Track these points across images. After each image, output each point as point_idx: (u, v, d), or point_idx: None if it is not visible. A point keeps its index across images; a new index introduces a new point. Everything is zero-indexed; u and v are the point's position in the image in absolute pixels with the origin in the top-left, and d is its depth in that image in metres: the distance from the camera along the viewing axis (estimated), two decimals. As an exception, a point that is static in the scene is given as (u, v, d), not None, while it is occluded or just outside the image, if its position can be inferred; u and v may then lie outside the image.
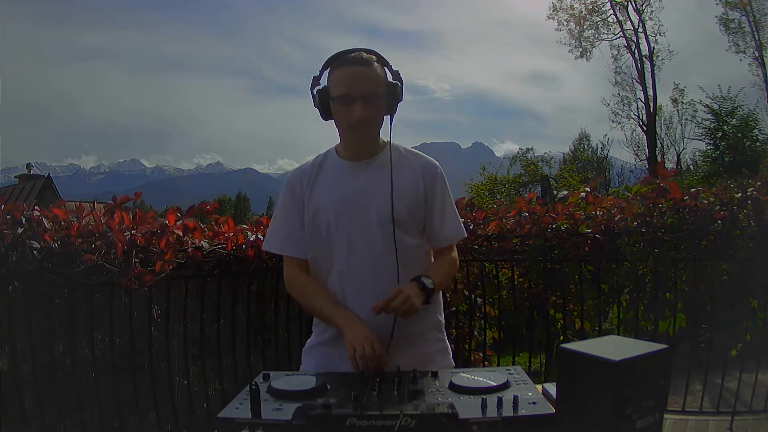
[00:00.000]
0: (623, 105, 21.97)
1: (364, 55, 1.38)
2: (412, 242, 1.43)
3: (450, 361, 1.53)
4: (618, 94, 22.05)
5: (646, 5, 20.99)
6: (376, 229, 1.40)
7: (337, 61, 1.38)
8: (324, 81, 1.41)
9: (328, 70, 1.40)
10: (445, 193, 1.48)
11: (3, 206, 2.21)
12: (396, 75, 1.42)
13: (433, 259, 1.51)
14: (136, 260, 2.25)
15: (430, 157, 1.50)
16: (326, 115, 1.42)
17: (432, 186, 1.46)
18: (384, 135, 1.47)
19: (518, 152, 19.95)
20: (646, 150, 21.53)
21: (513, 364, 2.76)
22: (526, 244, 2.88)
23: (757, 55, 19.11)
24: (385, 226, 1.39)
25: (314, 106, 1.42)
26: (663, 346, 0.92)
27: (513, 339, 3.18)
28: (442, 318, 1.54)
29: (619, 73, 21.98)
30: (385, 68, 1.41)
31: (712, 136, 15.64)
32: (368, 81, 1.36)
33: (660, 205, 2.77)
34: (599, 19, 21.87)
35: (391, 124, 1.43)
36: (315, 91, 1.41)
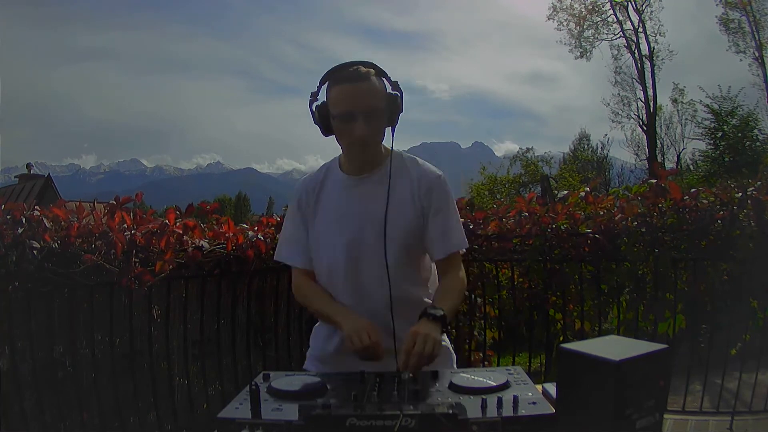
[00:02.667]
0: (623, 105, 22.00)
1: (362, 69, 1.35)
2: (411, 256, 1.42)
3: (452, 362, 1.53)
4: (618, 94, 22.08)
5: (646, 5, 21.02)
6: (376, 243, 1.38)
7: (335, 77, 1.36)
8: (322, 96, 1.40)
9: (326, 85, 1.38)
10: (445, 204, 1.44)
11: (3, 206, 2.21)
12: (395, 86, 1.40)
13: (438, 278, 1.48)
14: (136, 260, 2.25)
15: (431, 167, 1.47)
16: (326, 131, 1.40)
17: (428, 198, 1.43)
18: (386, 144, 1.45)
19: (518, 152, 19.97)
20: (646, 150, 21.54)
21: (513, 364, 2.76)
22: (526, 244, 2.88)
23: (757, 55, 19.13)
24: (383, 241, 1.38)
25: (314, 123, 1.40)
26: (663, 346, 0.92)
27: (513, 339, 3.18)
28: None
29: (619, 73, 22.01)
30: (384, 80, 1.40)
31: (712, 136, 15.65)
32: (367, 97, 1.34)
33: (660, 205, 2.77)
34: (599, 19, 21.89)
35: (392, 135, 1.41)
36: (314, 107, 1.40)
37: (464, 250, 1.49)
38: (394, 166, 1.41)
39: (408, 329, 1.32)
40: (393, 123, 1.40)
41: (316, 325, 1.56)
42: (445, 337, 1.52)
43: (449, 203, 1.46)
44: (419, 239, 1.43)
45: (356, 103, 1.33)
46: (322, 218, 1.45)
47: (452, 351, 1.55)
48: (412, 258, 1.44)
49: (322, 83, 1.39)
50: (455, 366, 1.54)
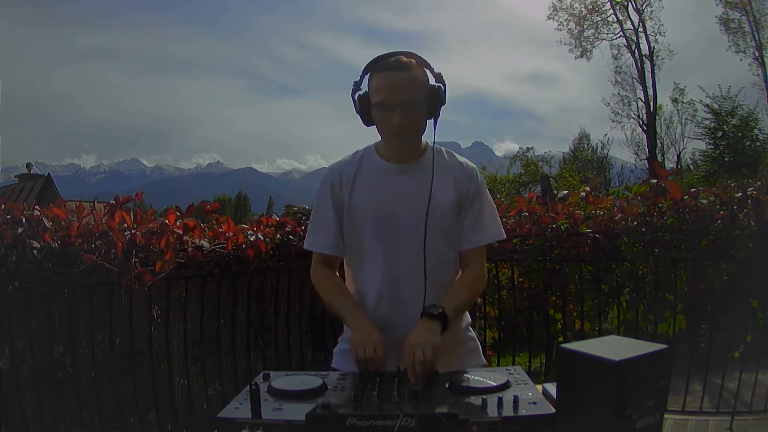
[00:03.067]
0: (623, 105, 21.98)
1: (404, 59, 1.36)
2: (446, 251, 1.42)
3: (481, 359, 1.55)
4: (618, 93, 22.06)
5: (646, 5, 21.01)
6: (413, 233, 1.38)
7: (377, 66, 1.37)
8: (365, 86, 1.40)
9: (369, 75, 1.38)
10: (482, 196, 1.45)
11: (3, 206, 2.21)
12: (438, 77, 1.40)
13: (461, 271, 1.48)
14: (136, 260, 2.25)
15: (468, 161, 1.49)
16: (368, 121, 1.41)
17: (467, 191, 1.44)
18: (427, 138, 1.46)
19: (518, 152, 19.96)
20: (646, 150, 21.52)
21: (513, 364, 2.76)
22: (526, 244, 2.88)
23: (757, 55, 19.13)
24: (418, 232, 1.38)
25: (356, 112, 1.41)
26: (663, 346, 0.92)
27: (513, 339, 3.18)
28: (469, 317, 1.55)
29: (619, 73, 21.99)
30: (427, 71, 1.40)
31: (712, 135, 15.65)
32: (407, 87, 1.34)
33: (660, 205, 2.77)
34: (599, 19, 21.88)
35: (435, 128, 1.42)
36: (356, 97, 1.40)
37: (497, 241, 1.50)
38: (436, 160, 1.41)
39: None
40: (434, 115, 1.40)
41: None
42: (470, 329, 1.54)
43: (486, 195, 1.47)
44: (454, 229, 1.44)
45: (394, 92, 1.33)
46: (360, 198, 1.43)
47: (478, 343, 1.57)
48: (447, 248, 1.43)
49: (364, 73, 1.39)
50: (483, 358, 1.56)
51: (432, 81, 1.40)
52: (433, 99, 1.38)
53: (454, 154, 1.49)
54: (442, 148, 1.48)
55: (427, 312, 1.30)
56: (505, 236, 1.52)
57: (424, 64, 1.39)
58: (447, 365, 1.27)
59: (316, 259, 1.51)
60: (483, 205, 1.45)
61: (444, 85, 1.40)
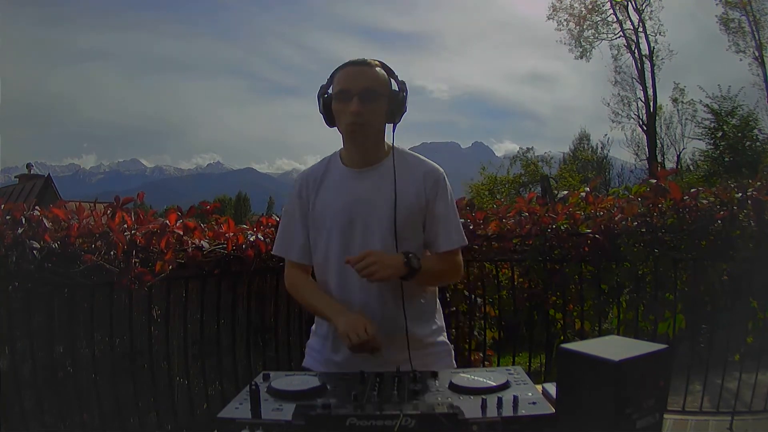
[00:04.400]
0: (623, 105, 21.99)
1: (368, 59, 1.40)
2: (415, 248, 1.42)
3: (452, 362, 1.53)
4: (618, 93, 22.07)
5: (646, 5, 21.02)
6: (377, 238, 1.39)
7: (341, 65, 1.41)
8: (331, 89, 1.42)
9: (335, 76, 1.41)
10: (446, 200, 1.45)
11: (3, 206, 2.21)
12: (401, 85, 1.41)
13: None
14: (136, 260, 2.25)
15: (433, 163, 1.48)
16: (330, 120, 1.43)
17: (433, 193, 1.43)
18: (388, 142, 1.47)
19: (518, 152, 19.97)
20: (646, 150, 21.53)
21: (513, 364, 2.76)
22: (526, 244, 2.88)
23: (757, 55, 19.13)
24: (386, 235, 1.39)
25: (319, 112, 1.43)
26: (663, 346, 0.92)
27: (513, 339, 3.18)
28: (442, 322, 1.54)
29: (619, 73, 22.00)
30: (390, 78, 1.42)
31: (712, 135, 15.65)
32: (366, 78, 1.37)
33: (660, 205, 2.77)
34: (599, 19, 21.89)
35: (393, 133, 1.43)
36: (319, 95, 1.42)
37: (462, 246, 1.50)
38: (397, 161, 1.41)
39: (410, 328, 1.36)
40: (395, 119, 1.41)
41: (313, 327, 1.56)
42: (444, 336, 1.53)
43: (450, 200, 1.47)
44: (422, 231, 1.44)
45: (353, 81, 1.36)
46: (323, 205, 1.45)
47: (451, 349, 1.55)
48: (415, 250, 1.43)
49: (331, 77, 1.42)
50: (455, 363, 1.54)
51: (395, 86, 1.41)
52: (394, 101, 1.39)
53: (417, 155, 1.49)
54: (405, 150, 1.48)
55: (407, 256, 1.34)
56: (467, 243, 1.51)
57: (388, 70, 1.42)
58: (414, 364, 1.28)
59: (288, 265, 1.53)
60: (447, 210, 1.45)
61: (406, 92, 1.41)
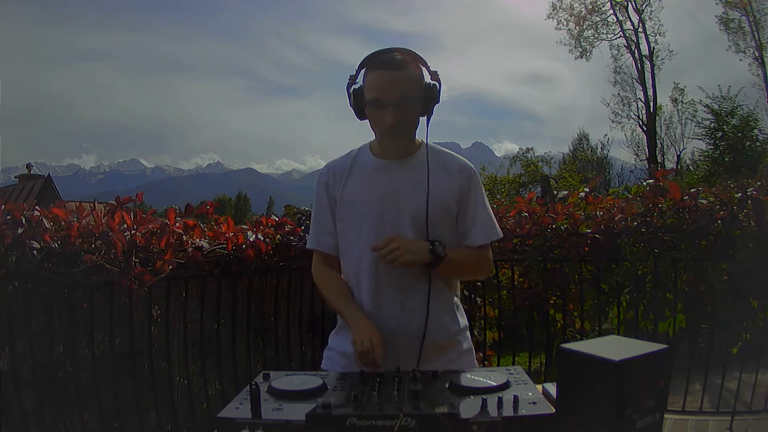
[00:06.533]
0: (623, 105, 22.01)
1: (399, 56, 1.35)
2: (445, 240, 1.42)
3: (474, 362, 1.53)
4: (618, 94, 22.09)
5: (646, 5, 21.03)
6: (408, 230, 1.39)
7: (372, 63, 1.37)
8: (360, 80, 1.40)
9: (364, 70, 1.39)
10: (479, 195, 1.46)
11: (3, 206, 2.21)
12: (434, 75, 1.40)
13: None
14: (136, 260, 2.25)
15: (464, 158, 1.49)
16: (360, 115, 1.41)
17: (467, 188, 1.44)
18: (420, 135, 1.46)
19: (518, 152, 19.95)
20: (646, 150, 21.53)
21: (513, 364, 2.76)
22: (526, 244, 2.88)
23: (757, 55, 19.13)
24: (417, 227, 1.38)
25: (349, 106, 1.41)
26: (663, 346, 0.92)
27: (513, 339, 3.18)
28: (465, 320, 1.54)
29: (619, 73, 22.02)
30: (423, 68, 1.39)
31: (712, 136, 15.66)
32: (401, 86, 1.34)
33: (660, 205, 2.77)
34: (599, 19, 21.90)
35: (427, 126, 1.42)
36: (351, 91, 1.40)
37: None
38: (429, 155, 1.41)
39: (434, 333, 1.38)
40: (428, 113, 1.40)
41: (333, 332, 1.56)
42: (468, 340, 1.52)
43: (483, 194, 1.48)
44: (454, 224, 1.44)
45: (388, 91, 1.34)
46: (353, 195, 1.44)
47: (473, 350, 1.55)
48: (444, 238, 1.42)
49: (360, 68, 1.40)
50: (476, 364, 1.55)
51: (427, 78, 1.40)
52: (428, 97, 1.38)
53: (448, 151, 1.50)
54: (436, 146, 1.47)
55: (433, 244, 1.34)
56: (502, 235, 1.52)
57: (420, 61, 1.39)
58: (438, 366, 1.28)
59: (316, 258, 1.53)
60: (479, 204, 1.46)
61: (439, 83, 1.40)
